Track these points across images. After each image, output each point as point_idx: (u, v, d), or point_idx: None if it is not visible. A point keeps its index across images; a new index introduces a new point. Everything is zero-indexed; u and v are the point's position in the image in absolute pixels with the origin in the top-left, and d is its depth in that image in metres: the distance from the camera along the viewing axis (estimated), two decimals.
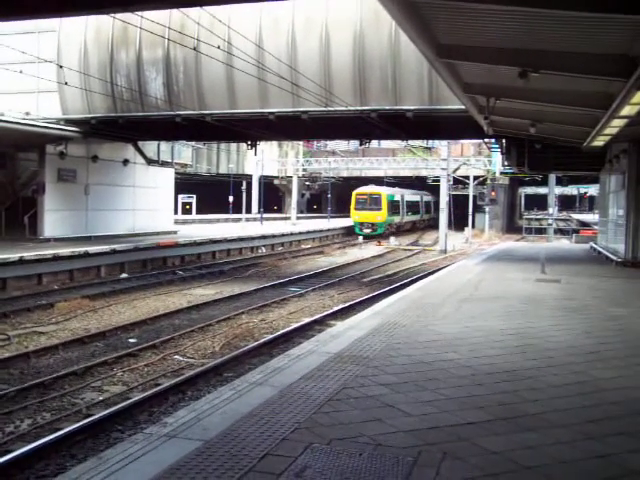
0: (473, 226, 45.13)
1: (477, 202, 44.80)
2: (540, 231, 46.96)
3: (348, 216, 49.74)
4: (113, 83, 21.85)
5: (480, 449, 4.54)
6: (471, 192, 45.07)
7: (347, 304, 16.41)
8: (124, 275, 21.87)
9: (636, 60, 7.91)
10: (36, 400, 8.70)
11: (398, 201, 51.98)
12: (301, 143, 61.60)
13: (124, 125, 23.35)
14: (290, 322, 14.42)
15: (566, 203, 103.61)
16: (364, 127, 21.89)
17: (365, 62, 19.29)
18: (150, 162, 30.20)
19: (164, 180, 31.84)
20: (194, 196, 56.48)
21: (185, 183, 49.63)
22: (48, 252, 19.91)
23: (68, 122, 23.33)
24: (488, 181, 47.20)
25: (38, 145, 23.85)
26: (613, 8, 6.35)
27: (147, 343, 11.94)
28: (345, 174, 61.31)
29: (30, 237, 23.82)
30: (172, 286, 20.01)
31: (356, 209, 48.42)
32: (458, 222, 45.93)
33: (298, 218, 51.45)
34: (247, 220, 45.36)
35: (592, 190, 79.58)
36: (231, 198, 47.13)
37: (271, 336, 12.57)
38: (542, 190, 75.55)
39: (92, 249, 21.57)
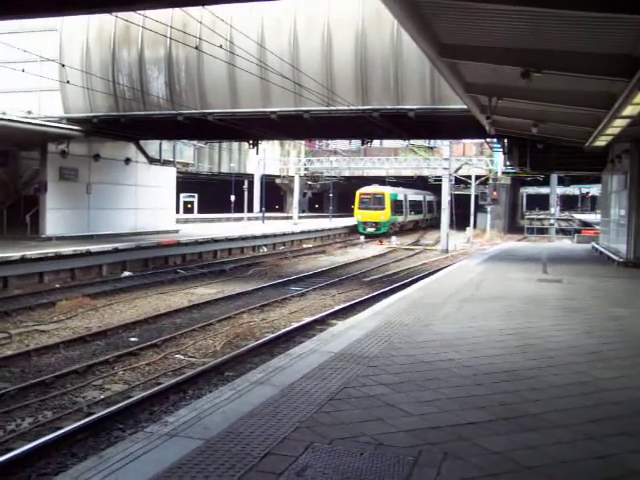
0: (475, 226, 45.07)
1: (479, 202, 44.78)
2: (542, 231, 46.93)
3: (350, 215, 49.80)
4: (115, 82, 21.86)
5: (481, 449, 4.54)
6: (473, 192, 45.04)
7: (348, 304, 16.41)
8: (127, 273, 21.87)
9: (639, 60, 7.90)
10: (37, 399, 8.71)
11: (401, 201, 52.22)
12: (303, 142, 61.64)
13: (126, 124, 23.36)
14: (291, 321, 14.43)
15: (568, 203, 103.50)
16: (366, 126, 21.88)
17: (367, 61, 19.28)
18: (152, 161, 30.21)
19: (166, 179, 31.85)
20: (196, 195, 56.49)
21: (187, 182, 49.63)
22: (50, 251, 19.92)
23: (70, 121, 23.34)
24: (490, 181, 47.19)
25: (40, 144, 23.86)
26: (620, 8, 6.34)
27: (148, 342, 11.94)
28: (347, 174, 61.33)
29: (32, 236, 23.83)
30: (173, 285, 20.01)
31: (360, 208, 48.69)
32: (460, 222, 45.90)
33: (300, 217, 51.45)
34: (249, 219, 45.34)
35: (594, 190, 79.57)
36: (233, 197, 47.10)
37: (272, 335, 12.58)
38: (544, 190, 75.50)
39: (94, 248, 21.59)
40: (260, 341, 12.03)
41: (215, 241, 29.08)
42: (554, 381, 6.32)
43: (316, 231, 42.20)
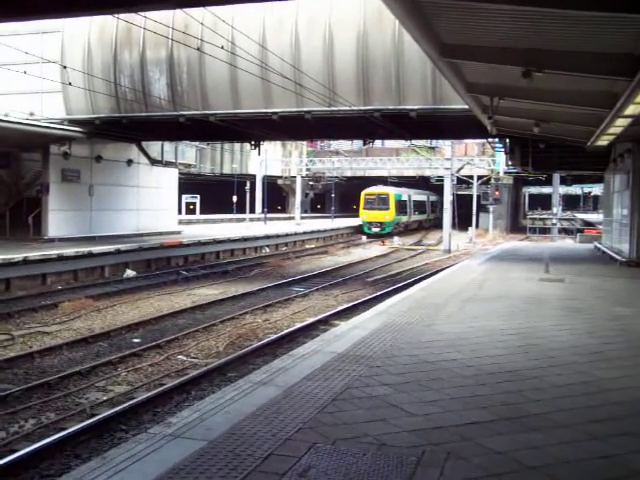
0: (477, 226, 45.06)
1: (481, 202, 44.77)
2: (544, 231, 46.97)
3: (352, 216, 49.89)
4: (117, 83, 21.88)
5: (484, 449, 4.54)
6: (475, 192, 45.03)
7: (351, 304, 16.41)
8: (129, 272, 21.88)
9: None
10: (40, 400, 8.72)
11: (405, 201, 52.63)
12: (305, 143, 61.62)
13: (128, 125, 23.38)
14: (294, 322, 14.43)
15: (570, 203, 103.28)
16: (368, 127, 21.88)
17: (368, 62, 19.27)
18: (154, 162, 30.23)
19: (168, 180, 31.87)
20: (198, 196, 56.52)
21: (189, 183, 49.66)
22: (52, 252, 19.94)
23: (72, 122, 23.35)
24: (492, 181, 47.16)
25: (42, 145, 23.89)
26: (620, 7, 6.34)
27: (151, 343, 11.95)
28: (349, 174, 61.32)
29: (34, 237, 23.86)
30: (176, 286, 20.03)
31: (365, 209, 49.23)
32: (462, 222, 45.91)
33: (302, 218, 51.47)
34: (251, 220, 45.36)
35: (596, 189, 79.49)
36: (235, 198, 47.15)
37: (275, 336, 12.58)
38: (546, 190, 75.42)
39: (96, 249, 21.61)
40: (263, 342, 12.04)
41: (217, 242, 29.08)
42: (557, 381, 6.32)
43: (318, 231, 42.21)
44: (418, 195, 57.53)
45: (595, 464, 4.35)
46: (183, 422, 4.97)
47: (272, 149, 55.27)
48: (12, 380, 9.71)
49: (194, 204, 56.67)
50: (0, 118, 20.43)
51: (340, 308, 15.89)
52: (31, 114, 22.88)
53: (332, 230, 45.51)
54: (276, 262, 27.47)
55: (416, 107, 19.24)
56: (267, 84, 19.48)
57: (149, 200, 29.75)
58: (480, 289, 13.56)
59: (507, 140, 23.81)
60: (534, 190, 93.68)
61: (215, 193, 56.36)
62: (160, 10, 15.83)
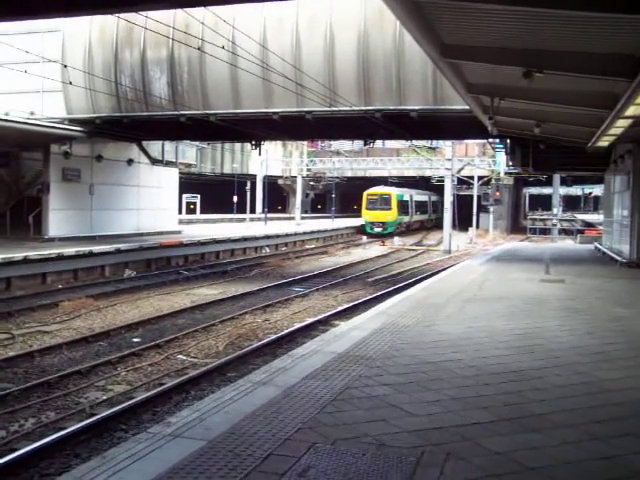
0: (477, 226, 45.08)
1: (481, 202, 44.76)
2: (544, 231, 46.95)
3: (352, 216, 49.95)
4: (117, 83, 21.88)
5: (484, 450, 4.54)
6: (475, 192, 45.02)
7: (351, 304, 16.40)
8: (132, 273, 21.88)
9: None
10: (40, 399, 8.72)
11: (407, 201, 53.01)
12: (305, 143, 61.65)
13: (128, 125, 23.37)
14: (294, 322, 14.42)
15: (570, 203, 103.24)
16: (368, 127, 21.87)
17: (369, 62, 19.26)
18: (154, 162, 30.23)
19: (168, 180, 31.86)
20: (198, 196, 56.50)
21: (189, 183, 49.65)
22: (52, 251, 19.94)
23: (72, 122, 23.35)
24: (492, 181, 47.16)
25: (42, 145, 23.89)
26: (619, 8, 6.32)
27: (151, 343, 11.95)
28: (349, 174, 61.35)
29: (35, 236, 23.85)
30: (176, 286, 20.03)
31: (367, 209, 49.71)
32: (462, 222, 45.94)
33: (302, 218, 51.48)
34: (251, 220, 45.34)
35: (597, 190, 79.37)
36: (235, 198, 47.12)
37: (275, 336, 12.57)
38: (546, 190, 75.50)
39: (96, 248, 21.61)
40: (263, 342, 12.03)
41: (218, 242, 29.08)
42: (557, 382, 6.31)
43: (319, 232, 42.22)
44: (420, 195, 57.84)
45: (596, 465, 4.35)
46: (183, 422, 4.97)
47: (273, 149, 55.29)
48: (12, 379, 9.71)
49: (194, 204, 56.66)
50: (1, 117, 20.43)
51: (340, 308, 15.88)
52: (32, 113, 22.87)
53: (332, 230, 45.51)
54: (276, 262, 27.46)
55: (417, 107, 19.24)
56: (268, 84, 19.48)
57: (149, 200, 29.75)
58: (480, 290, 13.56)
59: (508, 140, 23.82)
60: (534, 191, 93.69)
61: (215, 193, 56.37)
62: (161, 10, 15.80)
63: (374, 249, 37.37)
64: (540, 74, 9.00)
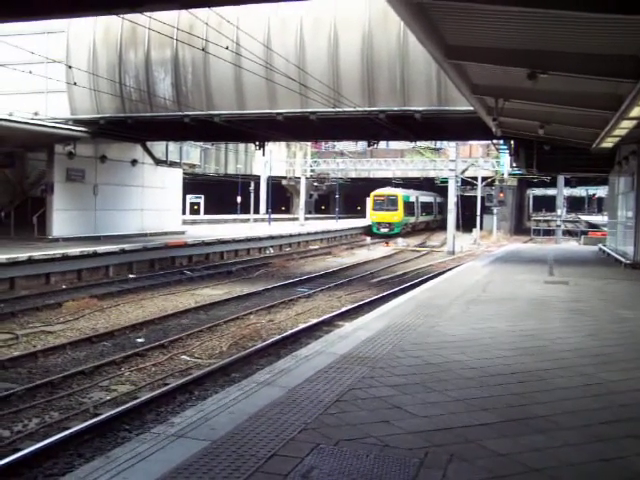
0: (481, 227, 45.03)
1: (485, 203, 44.71)
2: (548, 232, 46.86)
3: (356, 217, 50.00)
4: (122, 83, 21.92)
5: (487, 451, 4.53)
6: (479, 193, 44.96)
7: (355, 305, 16.41)
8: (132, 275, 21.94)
9: None
10: (44, 399, 8.74)
11: (413, 202, 53.56)
12: (309, 144, 61.57)
13: (132, 125, 23.40)
14: (298, 323, 14.43)
15: (574, 204, 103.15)
16: (372, 128, 21.87)
17: (373, 62, 19.26)
18: (158, 162, 30.26)
19: (172, 180, 31.91)
20: (202, 196, 56.54)
21: (193, 183, 49.71)
22: (56, 252, 19.97)
23: (77, 122, 23.40)
24: (496, 182, 47.09)
25: (47, 145, 23.94)
26: (612, 8, 6.31)
27: (155, 343, 11.96)
28: (353, 175, 61.35)
29: (39, 237, 23.90)
30: (180, 286, 20.05)
31: (374, 210, 50.42)
32: (466, 223, 45.89)
33: (306, 219, 51.51)
34: (255, 221, 45.39)
35: (601, 191, 79.27)
36: (239, 198, 47.15)
37: (279, 337, 12.57)
38: (550, 191, 75.29)
39: (100, 249, 21.64)
40: (266, 342, 12.03)
41: (222, 242, 29.10)
42: (561, 383, 6.30)
43: (322, 232, 42.23)
44: (425, 197, 58.28)
45: (599, 466, 4.34)
46: (187, 422, 4.96)
47: (276, 150, 55.31)
48: (16, 379, 9.72)
49: (198, 204, 56.69)
50: (5, 118, 20.49)
51: (344, 309, 15.87)
52: (36, 114, 22.92)
53: (336, 231, 45.53)
54: (280, 263, 27.46)
55: (421, 108, 19.23)
56: (272, 85, 19.49)
57: (153, 200, 29.79)
58: (484, 291, 13.54)
59: (512, 142, 23.80)
60: (538, 192, 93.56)
61: (219, 193, 56.41)
62: (165, 10, 15.84)
63: (378, 250, 37.36)
64: (544, 75, 8.99)
